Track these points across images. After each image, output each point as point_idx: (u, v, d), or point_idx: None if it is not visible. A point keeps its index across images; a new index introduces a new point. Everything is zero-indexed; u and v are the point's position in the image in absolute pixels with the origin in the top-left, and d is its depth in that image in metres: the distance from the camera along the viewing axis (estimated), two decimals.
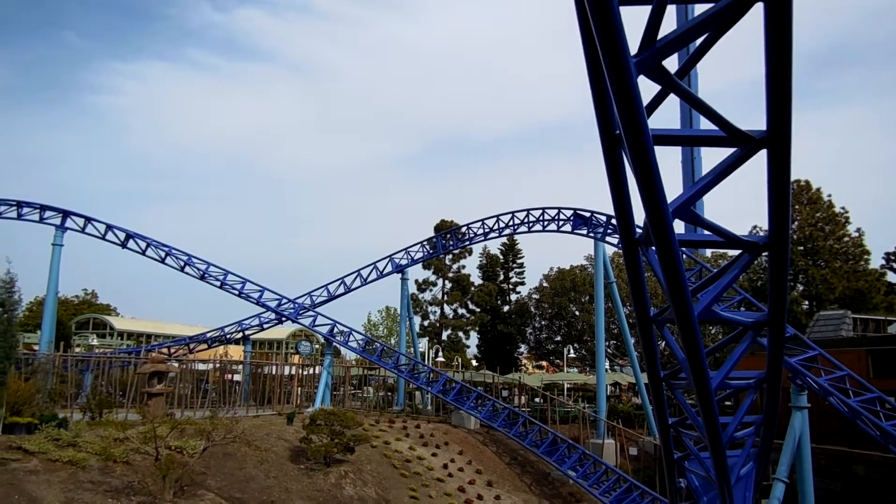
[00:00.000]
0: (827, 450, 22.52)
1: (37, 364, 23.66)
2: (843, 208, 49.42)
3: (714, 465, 6.11)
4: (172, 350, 36.07)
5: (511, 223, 34.53)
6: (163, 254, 32.19)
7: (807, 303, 48.47)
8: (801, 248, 48.49)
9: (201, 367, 32.16)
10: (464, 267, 63.71)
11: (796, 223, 48.51)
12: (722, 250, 37.23)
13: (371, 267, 35.49)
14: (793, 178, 4.87)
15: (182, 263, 32.13)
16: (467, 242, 38.61)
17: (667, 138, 4.19)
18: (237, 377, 33.52)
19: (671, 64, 3.83)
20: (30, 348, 33.10)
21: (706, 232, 4.86)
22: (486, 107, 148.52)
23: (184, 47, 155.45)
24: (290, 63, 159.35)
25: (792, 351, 18.49)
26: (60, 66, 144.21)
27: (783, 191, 4.30)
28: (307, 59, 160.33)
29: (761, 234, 5.71)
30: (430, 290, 63.34)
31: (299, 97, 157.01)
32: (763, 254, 4.97)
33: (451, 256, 60.30)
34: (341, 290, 34.88)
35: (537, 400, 38.64)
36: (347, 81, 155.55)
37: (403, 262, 36.47)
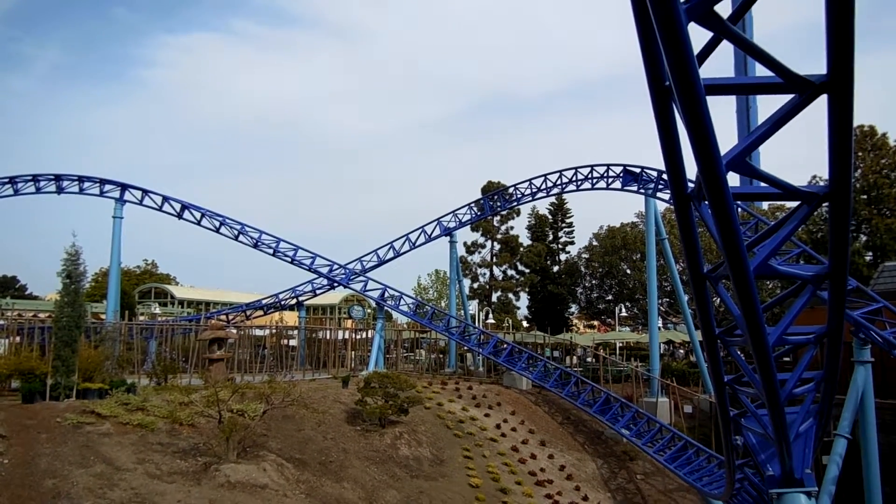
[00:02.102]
0: (892, 405, 21.86)
1: (104, 332, 24.77)
2: None
3: (772, 421, 5.99)
4: (230, 317, 37.22)
5: (559, 182, 34.04)
6: (217, 223, 32.99)
7: (870, 254, 46.62)
8: (865, 196, 46.45)
9: (258, 332, 33.15)
10: (512, 228, 63.44)
11: (859, 171, 46.40)
12: (779, 202, 36.02)
13: (419, 231, 35.65)
14: (855, 123, 4.62)
15: (236, 232, 32.90)
16: (515, 203, 38.30)
17: (720, 87, 4.01)
18: (293, 342, 34.47)
19: (724, 8, 3.65)
20: (97, 317, 34.63)
21: (762, 184, 4.67)
22: (530, 63, 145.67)
23: (229, 17, 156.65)
24: (332, 29, 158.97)
25: (854, 304, 17.86)
26: (112, 41, 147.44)
27: (845, 138, 4.09)
28: (348, 24, 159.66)
29: (821, 184, 5.47)
30: (479, 253, 63.41)
31: (342, 63, 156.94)
32: (823, 204, 4.76)
33: (498, 218, 60.04)
34: (391, 254, 35.20)
35: (589, 360, 38.53)
36: (390, 44, 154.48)
37: (451, 224, 36.49)
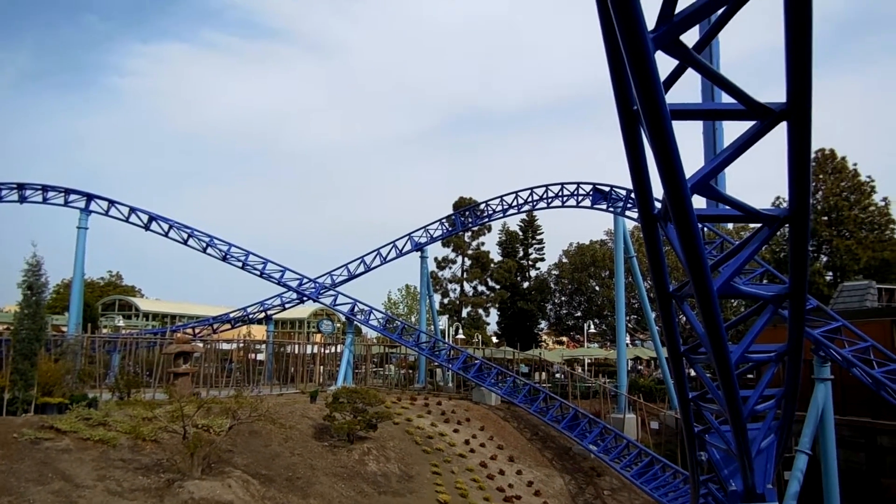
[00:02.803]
0: (851, 421, 22.39)
1: (66, 345, 24.18)
2: (868, 177, 48.49)
3: (735, 438, 6.12)
4: (197, 330, 36.65)
5: (530, 199, 34.37)
6: (185, 235, 32.56)
7: (830, 274, 47.84)
8: (825, 218, 47.75)
9: (225, 346, 32.68)
10: (483, 244, 63.66)
11: (820, 193, 47.72)
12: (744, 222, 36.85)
13: (390, 245, 35.63)
14: (817, 146, 4.81)
15: (204, 245, 32.49)
16: (486, 219, 38.53)
17: (685, 113, 4.16)
18: (260, 356, 34.03)
19: (691, 36, 3.79)
20: (58, 330, 33.81)
21: (726, 206, 4.82)
22: (503, 82, 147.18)
23: (203, 29, 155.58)
24: (307, 42, 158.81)
25: (815, 323, 18.34)
26: (84, 48, 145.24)
27: (803, 163, 4.26)
28: (323, 38, 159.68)
29: (784, 205, 5.65)
30: (450, 268, 63.44)
31: (316, 76, 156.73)
32: (785, 226, 4.92)
33: (470, 234, 60.20)
34: (361, 268, 35.10)
35: (558, 376, 38.74)
36: (363, 59, 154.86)
37: (422, 239, 36.55)
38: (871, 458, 21.87)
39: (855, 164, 48.52)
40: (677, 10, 3.32)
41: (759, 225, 5.04)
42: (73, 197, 32.22)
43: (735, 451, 6.19)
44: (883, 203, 48.50)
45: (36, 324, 17.69)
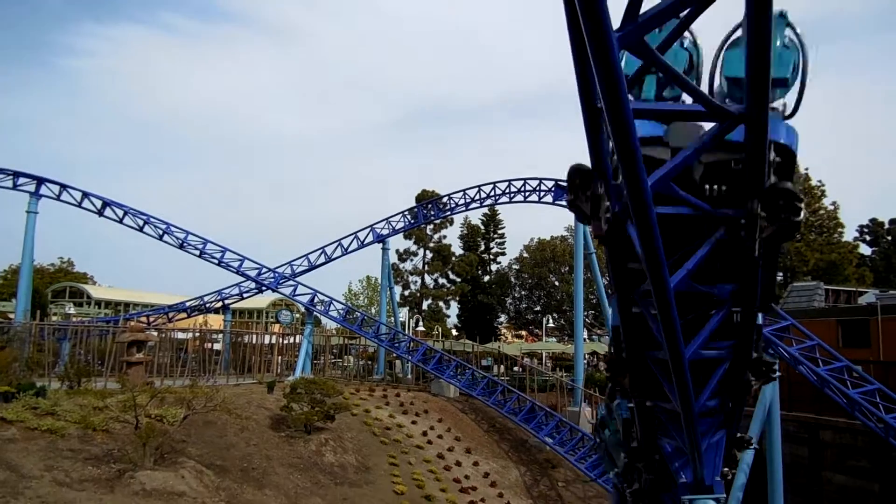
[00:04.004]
0: (796, 417, 23.16)
1: (13, 333, 23.46)
2: (819, 181, 50.11)
3: (686, 432, 6.27)
4: (151, 319, 35.85)
5: (492, 193, 34.54)
6: (141, 222, 31.79)
7: (781, 275, 49.34)
8: None
9: (181, 336, 32.06)
10: (445, 237, 63.83)
11: None
12: None
13: (352, 236, 35.41)
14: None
15: (160, 232, 31.77)
16: (448, 212, 38.58)
17: (647, 112, 4.22)
18: (217, 346, 33.49)
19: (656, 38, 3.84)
20: (5, 317, 32.76)
21: (685, 207, 4.92)
22: (468, 76, 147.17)
23: (160, 10, 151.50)
24: (268, 28, 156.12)
25: (765, 321, 18.90)
26: (36, 26, 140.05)
27: (759, 166, 4.37)
28: (284, 24, 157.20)
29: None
30: (411, 260, 63.46)
31: (277, 63, 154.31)
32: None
33: (432, 226, 60.28)
34: (322, 259, 34.80)
35: (516, 369, 39.13)
36: (326, 48, 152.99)
37: (384, 231, 36.41)
38: (813, 452, 22.67)
39: (806, 169, 50.09)
40: (642, 11, 3.37)
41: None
42: (22, 180, 31.11)
43: (686, 445, 6.35)
44: (832, 207, 50.19)
45: None
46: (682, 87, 3.85)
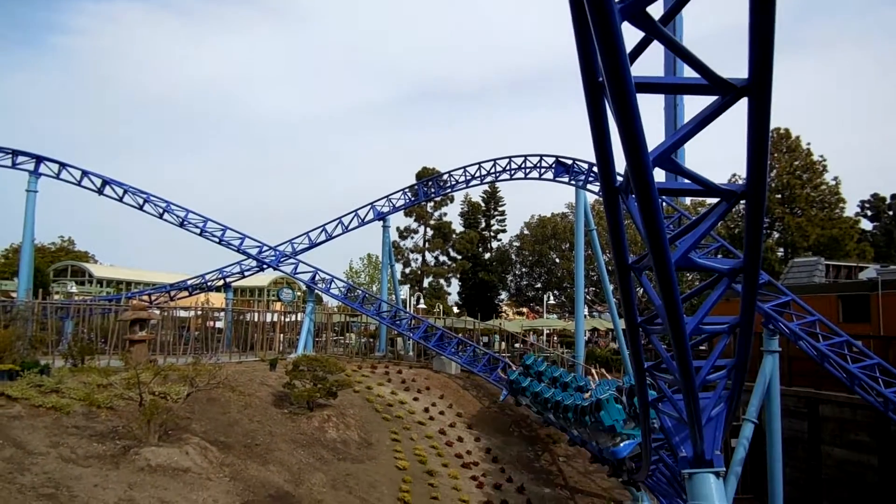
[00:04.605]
0: (795, 392, 23.30)
1: (16, 311, 23.53)
2: (821, 157, 49.89)
3: (686, 406, 6.32)
4: (153, 297, 35.95)
5: (493, 171, 34.39)
6: (141, 200, 31.73)
7: (782, 250, 49.34)
8: (779, 196, 49.02)
9: (183, 314, 32.16)
10: (445, 214, 63.77)
11: (774, 171, 48.90)
12: (701, 199, 37.59)
13: (352, 214, 35.34)
14: (772, 126, 4.91)
15: (161, 210, 31.73)
16: (449, 190, 38.44)
17: (649, 86, 4.18)
18: (219, 324, 33.61)
19: (656, 9, 3.80)
20: (7, 295, 32.85)
21: (686, 180, 4.90)
22: (468, 52, 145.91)
23: None
24: (266, 5, 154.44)
25: (765, 297, 18.90)
26: (30, 4, 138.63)
27: (762, 140, 4.34)
28: (282, 4, 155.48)
29: (740, 182, 5.78)
30: (412, 238, 63.47)
31: (276, 41, 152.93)
32: (741, 202, 5.04)
33: (432, 204, 60.19)
34: (322, 237, 34.77)
35: (517, 346, 39.30)
36: (327, 25, 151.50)
37: (385, 209, 36.33)
38: (812, 426, 22.84)
39: (808, 144, 49.86)
40: None
41: (716, 200, 5.14)
42: (21, 159, 31.04)
43: (686, 419, 6.41)
44: (833, 182, 50.00)
45: None
46: (685, 59, 3.81)
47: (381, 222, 36.85)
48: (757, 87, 3.90)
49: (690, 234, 5.22)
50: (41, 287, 34.95)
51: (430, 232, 63.21)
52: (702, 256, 5.93)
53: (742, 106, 4.23)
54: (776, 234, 49.98)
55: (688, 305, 6.55)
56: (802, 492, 22.23)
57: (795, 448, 22.54)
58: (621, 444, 15.60)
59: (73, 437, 14.49)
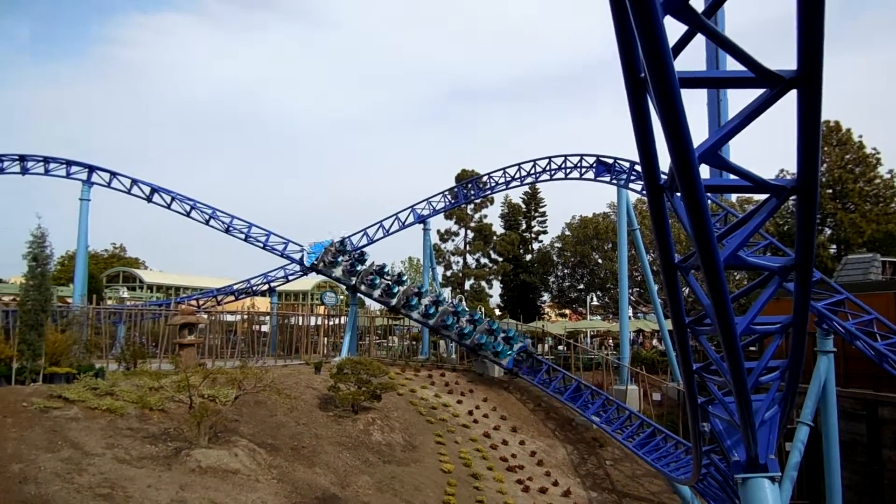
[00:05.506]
0: (852, 393, 22.50)
1: (71, 316, 24.34)
2: (874, 149, 48.11)
3: (738, 409, 6.14)
4: (201, 302, 36.82)
5: (533, 171, 34.17)
6: (188, 207, 32.52)
7: (834, 247, 47.75)
8: (830, 191, 47.46)
9: (229, 318, 32.86)
10: (485, 216, 63.61)
11: (825, 165, 47.36)
12: (747, 195, 36.68)
13: (393, 218, 35.56)
14: (822, 119, 4.74)
15: (207, 217, 32.46)
16: (488, 191, 38.36)
17: (693, 80, 4.07)
18: (264, 328, 34.24)
19: (698, 3, 3.70)
20: (63, 301, 34.00)
21: (732, 176, 4.76)
22: (505, 52, 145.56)
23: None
24: (300, 12, 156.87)
25: (818, 295, 18.29)
26: (82, 19, 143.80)
27: (813, 132, 4.19)
28: (319, 8, 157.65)
29: (788, 177, 5.60)
30: (453, 240, 63.48)
31: (313, 46, 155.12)
32: (790, 198, 4.87)
33: (472, 206, 60.10)
34: (364, 241, 35.06)
35: (561, 348, 38.95)
36: (361, 29, 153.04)
37: (425, 212, 36.46)
38: (871, 429, 22.02)
39: (860, 137, 48.13)
40: None
41: (764, 197, 4.98)
42: (74, 168, 32.11)
43: (738, 422, 6.22)
44: (889, 175, 48.20)
45: (42, 295, 17.80)
46: (731, 52, 3.70)
47: (422, 225, 36.99)
48: (807, 78, 3.77)
49: (739, 231, 5.07)
50: (95, 293, 36.08)
51: (470, 234, 63.14)
52: (751, 254, 5.76)
53: (790, 98, 4.09)
54: (828, 231, 48.40)
55: (737, 306, 6.38)
56: (863, 497, 21.46)
57: (854, 452, 21.76)
58: (504, 361, 28.22)
59: (127, 439, 14.92)
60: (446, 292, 50.80)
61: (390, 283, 29.31)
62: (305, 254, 29.86)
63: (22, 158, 32.24)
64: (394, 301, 28.83)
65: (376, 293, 29.23)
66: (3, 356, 17.50)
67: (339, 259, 29.55)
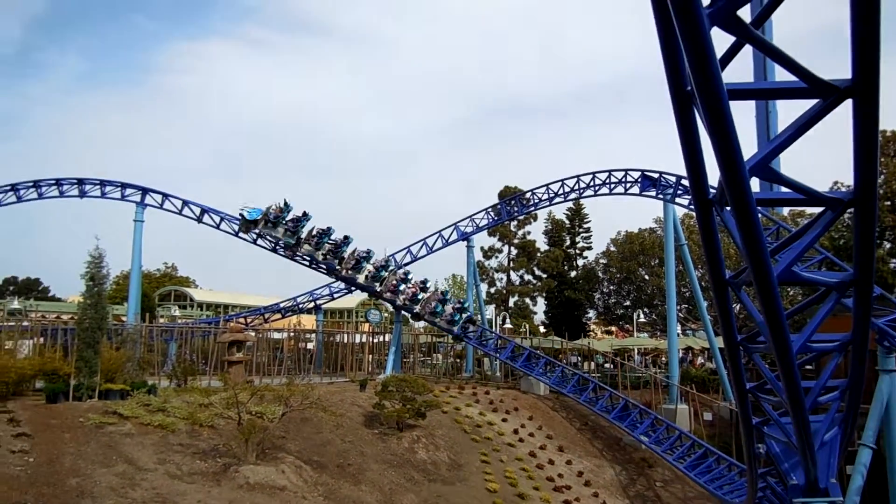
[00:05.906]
0: None
1: (126, 334, 25.04)
2: None
3: (796, 430, 5.92)
4: (249, 320, 37.46)
5: (576, 187, 33.91)
6: (236, 228, 33.23)
7: (894, 261, 45.89)
8: (888, 203, 45.71)
9: (276, 335, 33.31)
10: (529, 233, 63.25)
11: (882, 177, 45.63)
12: (799, 208, 35.61)
13: (436, 235, 35.67)
14: (880, 128, 4.58)
15: (255, 237, 33.10)
16: (532, 208, 38.18)
17: (743, 92, 4.00)
18: (310, 345, 34.59)
19: (745, 13, 3.63)
20: (118, 319, 35.02)
21: (784, 189, 4.64)
22: (547, 68, 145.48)
23: (245, 25, 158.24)
24: (347, 35, 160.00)
25: (878, 312, 17.57)
26: (131, 48, 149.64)
27: (871, 143, 4.05)
28: (363, 31, 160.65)
29: (844, 189, 5.41)
30: (496, 257, 63.26)
31: (358, 69, 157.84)
32: (847, 211, 4.70)
33: (515, 223, 59.84)
34: (408, 258, 35.25)
35: (607, 365, 38.30)
36: (403, 50, 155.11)
37: (468, 229, 36.47)
38: None
39: None
40: None
41: (818, 210, 4.83)
42: (129, 191, 33.23)
43: (796, 443, 5.99)
44: None
45: (98, 313, 18.38)
46: (782, 63, 3.61)
47: (465, 242, 36.99)
48: (863, 87, 3.65)
49: (793, 246, 4.92)
50: (148, 311, 37.14)
51: (514, 251, 62.86)
52: (805, 270, 5.56)
53: (844, 108, 3.97)
54: (887, 245, 46.58)
55: (790, 323, 6.16)
56: None
57: None
58: (455, 329, 29.53)
59: (177, 454, 15.21)
60: (490, 309, 50.58)
61: (334, 244, 29.58)
62: (245, 211, 29.92)
63: (80, 182, 33.57)
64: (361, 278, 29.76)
65: (319, 255, 29.49)
66: (61, 373, 18.12)
67: (281, 219, 29.54)
